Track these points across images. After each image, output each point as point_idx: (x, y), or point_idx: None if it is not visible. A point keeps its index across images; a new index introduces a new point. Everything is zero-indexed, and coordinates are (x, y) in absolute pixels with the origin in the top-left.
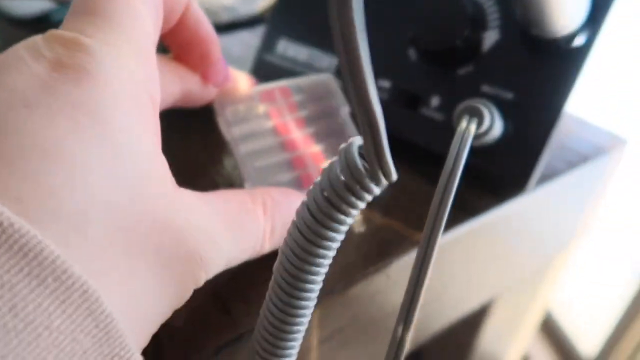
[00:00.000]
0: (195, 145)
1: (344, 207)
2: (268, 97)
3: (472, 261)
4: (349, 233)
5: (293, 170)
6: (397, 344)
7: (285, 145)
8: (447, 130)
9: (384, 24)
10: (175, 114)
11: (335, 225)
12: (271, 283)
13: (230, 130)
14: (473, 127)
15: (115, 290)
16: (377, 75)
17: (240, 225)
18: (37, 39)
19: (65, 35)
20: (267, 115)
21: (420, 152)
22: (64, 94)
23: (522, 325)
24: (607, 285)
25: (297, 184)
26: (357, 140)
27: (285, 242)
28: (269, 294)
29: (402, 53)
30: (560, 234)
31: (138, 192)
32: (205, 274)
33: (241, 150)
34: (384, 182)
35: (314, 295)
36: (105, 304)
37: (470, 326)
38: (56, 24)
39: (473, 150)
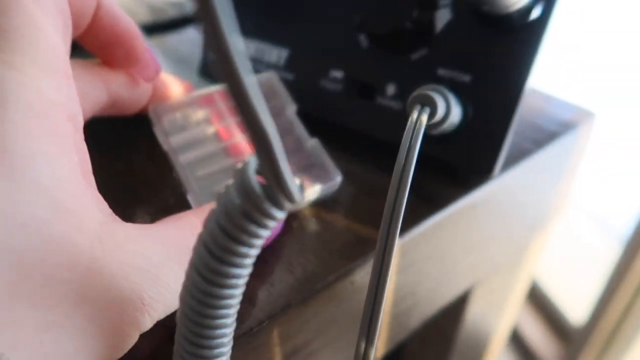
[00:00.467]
0: (140, 160)
1: (244, 237)
2: (208, 102)
3: (445, 253)
4: (308, 240)
5: None
6: (361, 358)
7: (229, 151)
8: (405, 119)
9: (332, 11)
10: (114, 126)
11: (236, 260)
12: (176, 333)
13: (168, 140)
14: (425, 118)
15: (23, 349)
16: (329, 65)
17: (188, 255)
18: None
19: None
20: (208, 120)
21: (379, 145)
22: None
23: (507, 304)
24: (593, 251)
25: None
26: (253, 160)
27: (183, 285)
28: (175, 347)
29: (352, 41)
30: (535, 214)
31: (52, 233)
32: (151, 317)
33: (181, 160)
34: (288, 205)
35: (227, 340)
36: None
37: (452, 312)
38: None
39: (432, 140)
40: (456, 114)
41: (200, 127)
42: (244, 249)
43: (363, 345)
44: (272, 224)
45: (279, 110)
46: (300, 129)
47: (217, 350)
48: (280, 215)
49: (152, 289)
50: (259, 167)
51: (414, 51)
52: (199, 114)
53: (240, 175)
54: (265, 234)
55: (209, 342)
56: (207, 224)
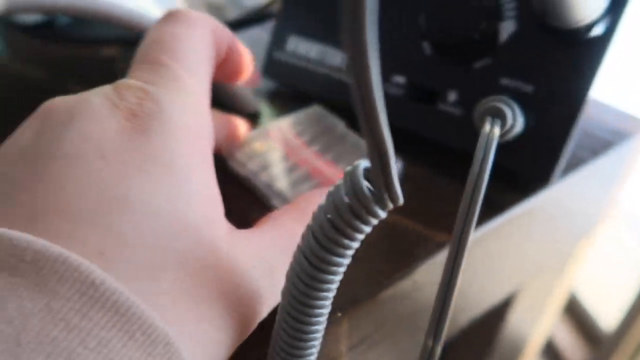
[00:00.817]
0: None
1: (349, 231)
2: (270, 135)
3: (496, 256)
4: (372, 239)
5: (313, 179)
6: (428, 356)
7: (299, 164)
8: (466, 125)
9: (397, 18)
10: None
11: (341, 250)
12: (279, 308)
13: (246, 168)
14: (497, 130)
15: (187, 338)
16: (392, 70)
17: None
18: (108, 89)
19: (134, 84)
20: (275, 147)
21: (437, 148)
22: (136, 144)
23: (547, 309)
24: (626, 256)
25: (319, 186)
26: (362, 163)
27: (291, 266)
28: (278, 318)
29: (416, 47)
30: (583, 221)
31: (202, 237)
32: (268, 307)
33: (261, 179)
34: (390, 206)
35: (323, 319)
36: (184, 354)
37: (495, 315)
38: (60, 30)
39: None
40: (520, 124)
41: (269, 153)
42: (347, 242)
43: (430, 342)
44: (374, 221)
45: (331, 129)
46: (353, 136)
47: (314, 327)
48: (383, 214)
49: (268, 284)
50: (365, 170)
51: (477, 60)
52: (267, 144)
53: (350, 177)
54: (367, 230)
55: (309, 319)
56: (316, 217)
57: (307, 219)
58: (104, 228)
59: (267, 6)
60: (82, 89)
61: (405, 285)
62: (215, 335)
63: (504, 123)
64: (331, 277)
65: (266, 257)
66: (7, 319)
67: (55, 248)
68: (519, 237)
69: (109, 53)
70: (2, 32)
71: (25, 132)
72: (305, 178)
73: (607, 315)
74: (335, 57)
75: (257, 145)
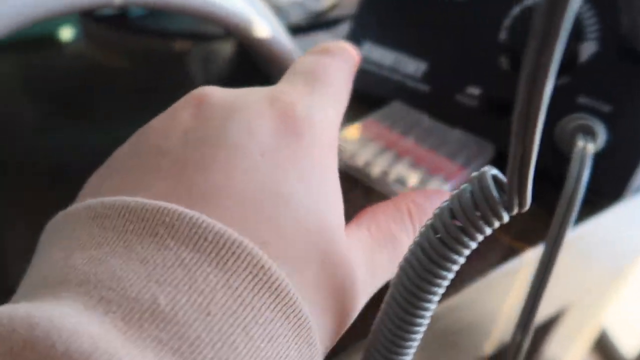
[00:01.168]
0: None
1: (472, 230)
2: (364, 130)
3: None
4: None
5: (420, 166)
6: (516, 348)
7: (403, 154)
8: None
9: (476, 30)
10: None
11: (460, 248)
12: (384, 304)
13: (356, 160)
14: (591, 147)
15: (320, 326)
16: (467, 81)
17: (392, 240)
18: (262, 90)
19: (287, 90)
20: (371, 140)
21: (501, 155)
22: (288, 143)
23: (583, 335)
24: None
25: (429, 173)
26: (489, 169)
27: (406, 258)
28: (381, 316)
29: (493, 61)
30: (633, 245)
31: (334, 236)
32: (366, 298)
33: (375, 169)
34: (515, 211)
35: (427, 321)
36: (317, 340)
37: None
38: (133, 20)
39: (567, 161)
40: (601, 142)
41: (369, 146)
42: (469, 241)
43: (519, 336)
44: (497, 224)
45: (418, 122)
46: (441, 127)
47: (417, 329)
48: (506, 218)
49: (368, 278)
50: (492, 176)
51: (555, 78)
52: (362, 139)
53: (479, 181)
54: (488, 232)
55: (418, 311)
56: (439, 215)
57: (405, 208)
58: (268, 219)
59: (330, 9)
60: (155, 82)
61: (479, 288)
62: (330, 327)
63: (595, 140)
64: (445, 273)
65: (366, 256)
66: (198, 290)
67: (232, 232)
68: (575, 255)
69: (182, 47)
70: (79, 19)
71: (184, 114)
72: (413, 165)
73: (629, 340)
74: (409, 65)
75: (355, 140)
